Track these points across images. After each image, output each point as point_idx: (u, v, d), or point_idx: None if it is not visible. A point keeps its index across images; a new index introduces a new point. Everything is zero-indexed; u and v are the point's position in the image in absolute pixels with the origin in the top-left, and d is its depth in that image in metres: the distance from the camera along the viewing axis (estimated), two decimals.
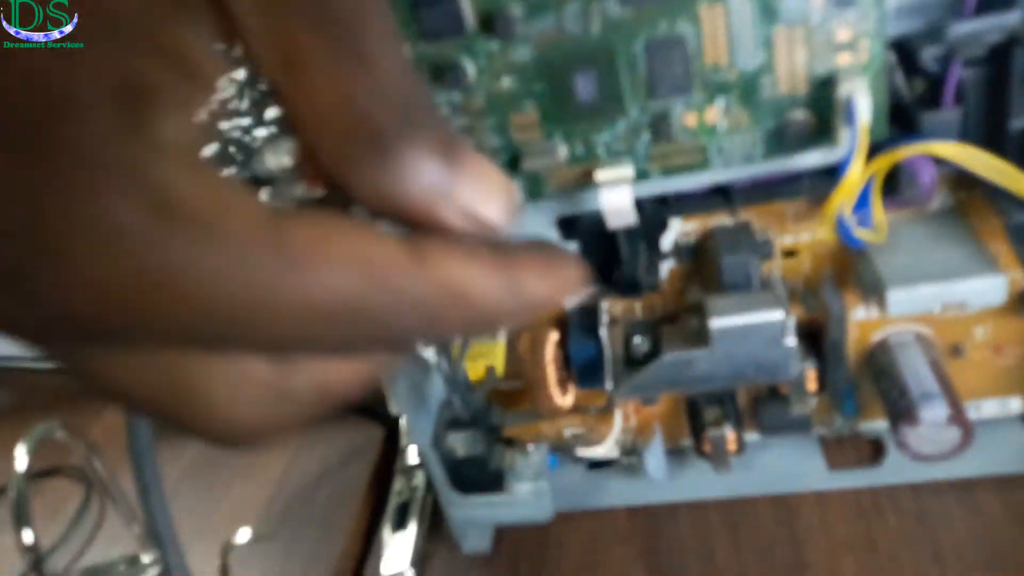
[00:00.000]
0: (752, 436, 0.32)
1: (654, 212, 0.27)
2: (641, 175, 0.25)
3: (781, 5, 0.22)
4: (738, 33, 0.22)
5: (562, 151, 0.25)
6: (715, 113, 0.24)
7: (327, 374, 0.13)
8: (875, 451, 0.31)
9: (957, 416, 0.26)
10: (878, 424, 0.31)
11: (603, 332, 0.28)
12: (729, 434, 0.30)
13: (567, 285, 0.13)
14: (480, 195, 0.12)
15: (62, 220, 0.09)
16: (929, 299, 0.24)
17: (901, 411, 0.27)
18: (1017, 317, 0.28)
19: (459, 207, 0.12)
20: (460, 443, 0.30)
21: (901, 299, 0.24)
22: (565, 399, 0.30)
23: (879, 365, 0.29)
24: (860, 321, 0.29)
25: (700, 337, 0.26)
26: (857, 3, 0.22)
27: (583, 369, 0.29)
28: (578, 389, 0.30)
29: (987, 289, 0.24)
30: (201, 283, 0.10)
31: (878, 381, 0.28)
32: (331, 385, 0.13)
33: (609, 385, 0.28)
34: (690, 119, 0.24)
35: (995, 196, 0.24)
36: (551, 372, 0.29)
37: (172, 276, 0.09)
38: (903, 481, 0.30)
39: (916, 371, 0.27)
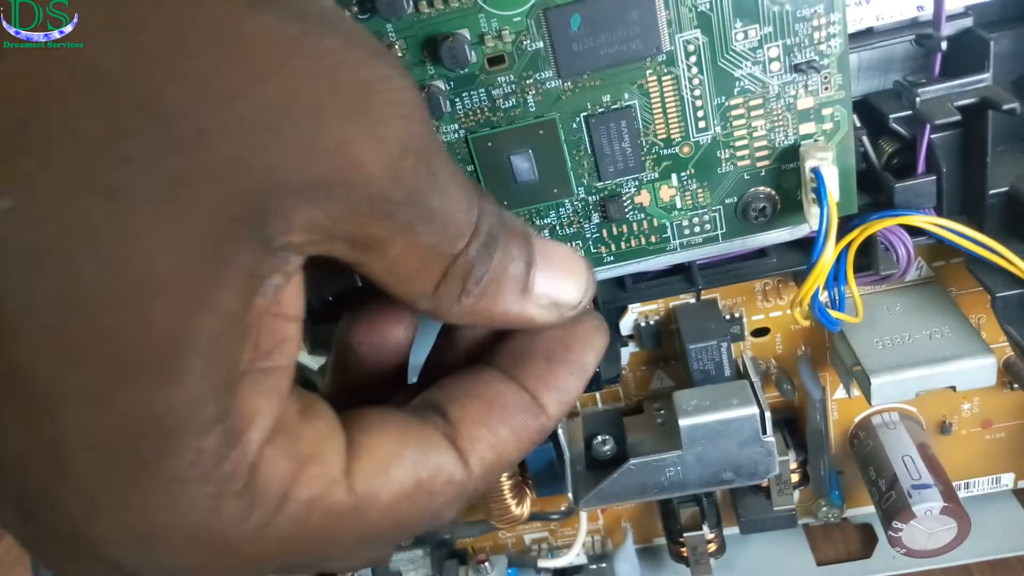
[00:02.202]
0: (732, 529, 0.29)
1: (610, 297, 0.24)
2: (593, 260, 0.22)
3: (736, 73, 0.20)
4: (691, 104, 0.20)
5: None
6: (671, 190, 0.21)
7: None
8: (865, 538, 0.29)
9: (953, 507, 0.24)
10: (866, 509, 0.28)
11: (561, 433, 0.25)
12: (708, 535, 0.27)
13: (580, 390, 0.14)
14: (557, 283, 0.13)
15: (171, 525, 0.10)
16: (915, 385, 0.22)
17: (892, 505, 0.24)
18: (1005, 390, 0.26)
19: (540, 301, 0.13)
20: (405, 565, 0.26)
21: (886, 388, 0.22)
22: (521, 508, 0.26)
23: (864, 449, 0.26)
24: (841, 400, 0.26)
25: (669, 432, 0.23)
26: (819, 69, 0.20)
27: (540, 475, 0.26)
28: (536, 496, 0.27)
29: (977, 372, 0.22)
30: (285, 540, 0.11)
31: (864, 467, 0.26)
32: None
33: (571, 493, 0.25)
34: (643, 198, 0.22)
35: (973, 266, 0.22)
36: (504, 479, 0.26)
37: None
38: (896, 573, 0.27)
39: (905, 458, 0.25)
